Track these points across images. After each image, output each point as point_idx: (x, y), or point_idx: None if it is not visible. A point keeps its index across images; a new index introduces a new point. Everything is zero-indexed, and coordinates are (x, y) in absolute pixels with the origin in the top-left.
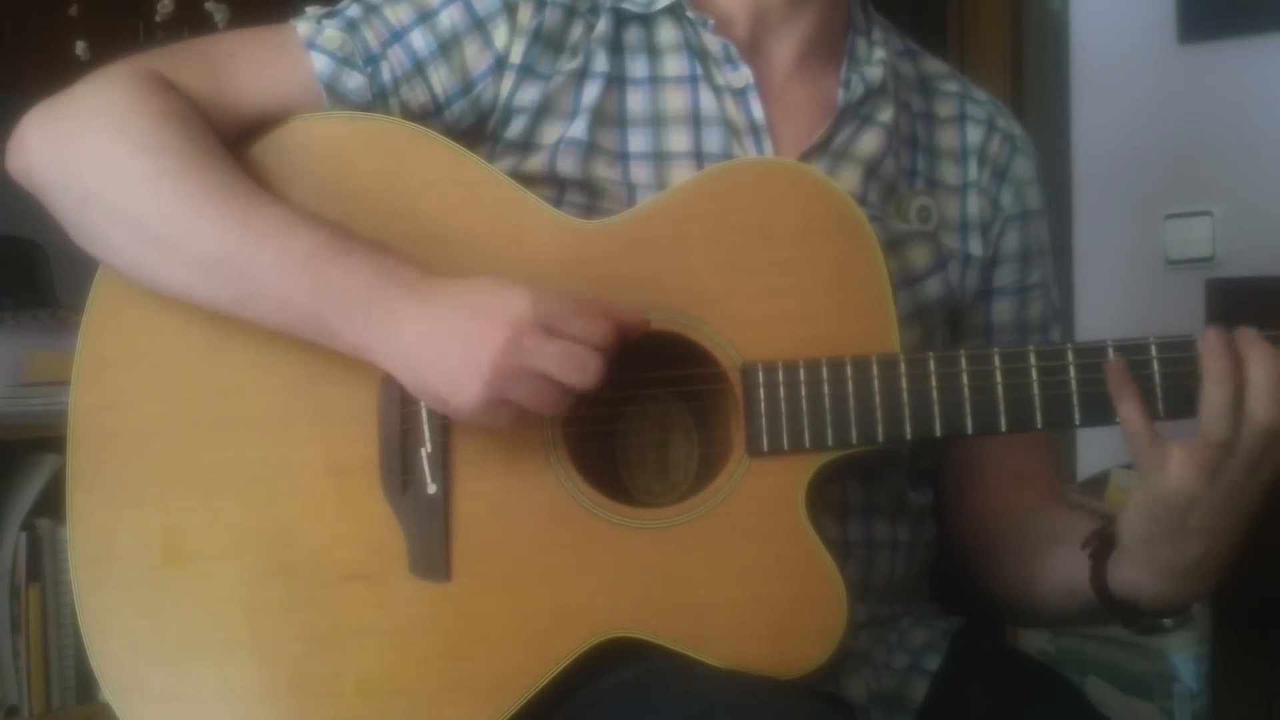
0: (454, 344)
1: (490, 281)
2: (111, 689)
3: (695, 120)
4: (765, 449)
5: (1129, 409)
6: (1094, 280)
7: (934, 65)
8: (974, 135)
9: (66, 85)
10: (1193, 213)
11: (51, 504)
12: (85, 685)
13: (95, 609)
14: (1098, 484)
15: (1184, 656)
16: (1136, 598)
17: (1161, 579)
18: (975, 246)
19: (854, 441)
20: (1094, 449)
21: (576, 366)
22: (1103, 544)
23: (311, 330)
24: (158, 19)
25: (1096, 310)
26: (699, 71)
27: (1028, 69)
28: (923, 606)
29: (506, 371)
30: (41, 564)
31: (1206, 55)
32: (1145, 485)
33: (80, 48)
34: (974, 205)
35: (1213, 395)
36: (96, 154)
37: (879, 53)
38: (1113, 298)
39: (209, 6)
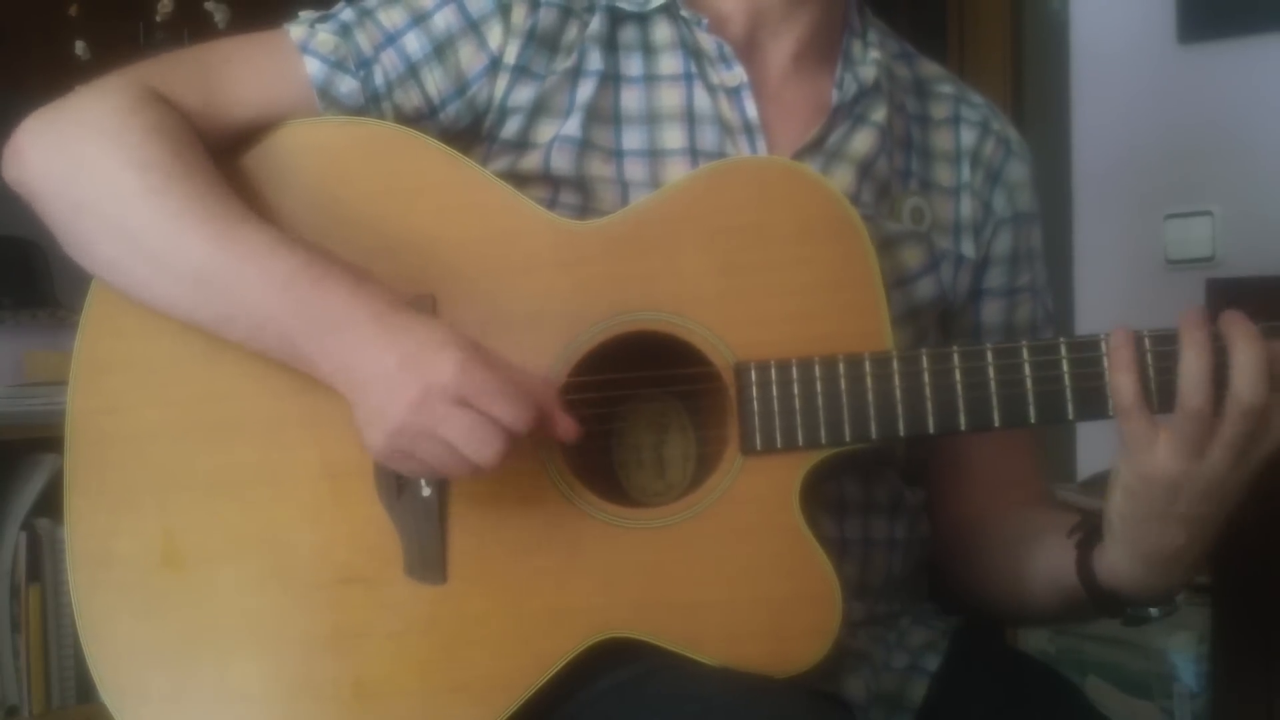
0: (380, 386)
1: (438, 336)
2: (110, 692)
3: (690, 118)
4: (758, 448)
5: (1123, 380)
6: (1094, 280)
7: (929, 68)
8: (968, 137)
9: (66, 86)
10: (1193, 213)
11: (51, 504)
12: (85, 685)
13: (94, 612)
14: (1098, 484)
15: (1184, 656)
16: (1119, 585)
17: (1144, 565)
18: (968, 248)
19: (847, 439)
20: (1094, 449)
21: (477, 443)
22: (1089, 533)
23: (281, 350)
24: (158, 19)
25: (1096, 310)
26: (693, 70)
27: (1028, 69)
28: (922, 606)
29: (410, 429)
30: (41, 564)
31: (1206, 55)
32: (1132, 465)
33: (80, 48)
34: (967, 207)
35: (1190, 363)
36: (88, 167)
37: (873, 54)
38: (1113, 298)
39: (209, 7)
